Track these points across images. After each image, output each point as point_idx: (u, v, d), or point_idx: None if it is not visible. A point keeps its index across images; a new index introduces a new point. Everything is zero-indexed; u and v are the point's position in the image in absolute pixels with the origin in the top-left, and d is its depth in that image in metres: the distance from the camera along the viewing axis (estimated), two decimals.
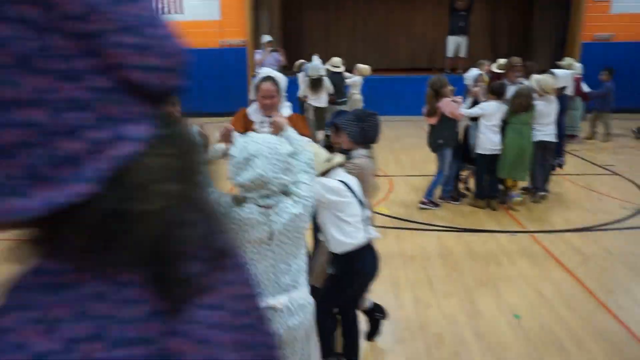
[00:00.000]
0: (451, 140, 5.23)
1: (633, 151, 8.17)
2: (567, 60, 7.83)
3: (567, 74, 6.02)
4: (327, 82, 7.71)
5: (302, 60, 8.41)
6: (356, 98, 8.66)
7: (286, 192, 1.87)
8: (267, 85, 2.76)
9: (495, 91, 5.12)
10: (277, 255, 1.87)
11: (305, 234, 2.01)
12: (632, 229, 4.81)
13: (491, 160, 5.12)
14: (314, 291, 2.80)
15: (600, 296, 3.53)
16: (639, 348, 2.94)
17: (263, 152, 1.75)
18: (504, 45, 15.29)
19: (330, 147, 2.99)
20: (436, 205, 5.36)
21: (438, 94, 5.03)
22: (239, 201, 1.82)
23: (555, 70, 6.23)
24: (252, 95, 2.86)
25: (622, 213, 5.23)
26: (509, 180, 5.28)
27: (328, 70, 8.24)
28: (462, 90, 6.28)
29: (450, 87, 5.16)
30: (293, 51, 14.83)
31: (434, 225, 4.94)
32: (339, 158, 2.48)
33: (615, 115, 12.05)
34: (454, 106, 5.03)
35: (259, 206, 1.82)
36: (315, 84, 7.53)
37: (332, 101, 7.97)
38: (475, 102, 5.36)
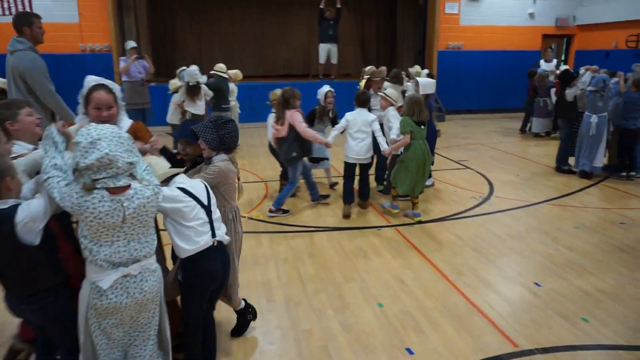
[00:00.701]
0: (304, 152, 5.30)
1: (482, 147, 9.17)
2: (416, 68, 8.58)
3: (431, 81, 6.57)
4: (205, 88, 7.58)
5: (184, 67, 8.16)
6: (232, 105, 8.62)
7: (133, 175, 2.03)
8: (101, 95, 2.42)
9: (359, 100, 5.33)
10: (129, 235, 2.04)
11: (154, 216, 2.17)
12: (479, 216, 5.41)
13: (355, 168, 5.35)
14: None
15: (452, 278, 3.92)
16: (482, 321, 3.31)
17: (106, 135, 1.94)
18: (373, 52, 16.28)
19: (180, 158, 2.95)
20: (285, 212, 5.40)
21: (288, 104, 5.13)
22: (89, 188, 1.91)
23: (420, 79, 6.73)
24: (81, 108, 2.50)
25: (472, 202, 5.87)
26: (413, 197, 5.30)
27: (218, 75, 8.11)
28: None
29: (299, 102, 5.26)
30: (163, 57, 14.31)
31: (306, 227, 5.09)
32: (177, 169, 2.52)
33: (470, 115, 13.51)
34: (298, 118, 5.11)
35: (110, 191, 1.94)
36: (193, 90, 7.35)
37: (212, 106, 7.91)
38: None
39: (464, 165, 7.73)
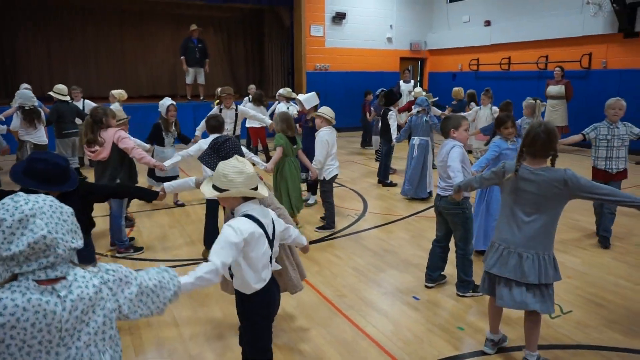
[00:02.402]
0: (129, 180, 4.83)
1: (354, 164, 9.50)
2: (286, 90, 8.67)
3: (311, 94, 6.62)
4: (42, 114, 6.72)
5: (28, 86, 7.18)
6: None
7: (74, 263, 1.48)
8: None
9: (209, 125, 4.79)
10: (77, 355, 1.40)
11: (114, 326, 1.52)
12: (356, 233, 5.50)
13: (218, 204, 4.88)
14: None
15: (335, 301, 3.85)
16: (368, 344, 3.26)
17: (43, 209, 1.38)
18: (242, 72, 16.16)
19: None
20: (137, 249, 4.89)
21: (102, 124, 4.54)
22: (4, 283, 1.32)
23: (300, 96, 6.74)
24: None
25: (348, 220, 5.95)
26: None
27: (57, 99, 7.24)
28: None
29: (125, 116, 5.00)
30: (5, 77, 12.61)
31: (179, 260, 4.69)
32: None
33: (340, 134, 13.95)
34: (123, 135, 4.61)
35: (39, 283, 1.34)
36: (29, 115, 6.45)
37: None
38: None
39: (338, 184, 7.88)
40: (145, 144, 5.85)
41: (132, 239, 5.12)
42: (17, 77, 12.52)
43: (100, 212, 5.43)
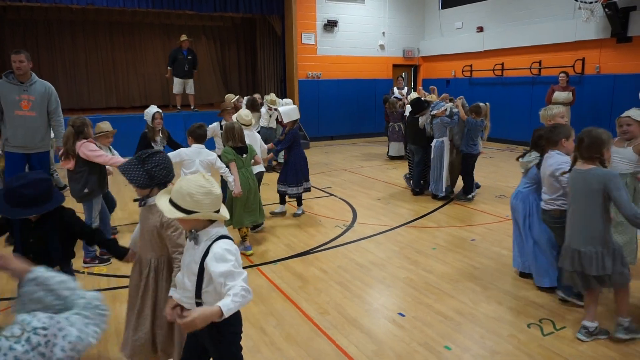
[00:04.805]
0: (99, 188, 4.69)
1: (345, 173, 9.34)
2: (271, 96, 8.56)
3: (292, 107, 6.47)
4: None
5: None
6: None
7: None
8: None
9: (194, 134, 4.85)
10: None
11: None
12: (343, 245, 5.32)
13: None
14: None
15: (316, 320, 3.67)
16: None
17: None
18: (235, 81, 16.06)
19: None
20: (103, 260, 4.78)
21: (82, 134, 4.49)
22: None
23: (281, 108, 6.58)
24: None
25: (336, 232, 5.78)
26: (243, 228, 5.03)
27: None
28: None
29: (111, 129, 4.85)
30: None
31: None
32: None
33: (332, 142, 13.89)
34: (89, 147, 4.50)
35: None
36: None
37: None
38: None
39: (328, 193, 7.73)
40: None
41: (104, 259, 4.88)
42: None
43: None
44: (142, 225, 2.66)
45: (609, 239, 3.13)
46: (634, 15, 9.56)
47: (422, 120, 7.30)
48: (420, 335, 3.43)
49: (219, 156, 5.00)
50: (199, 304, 2.14)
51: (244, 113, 5.68)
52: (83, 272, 4.60)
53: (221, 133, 5.38)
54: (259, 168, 5.62)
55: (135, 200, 2.71)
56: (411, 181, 7.69)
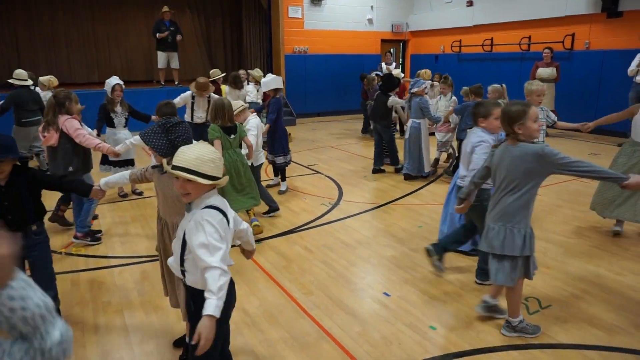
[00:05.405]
0: (83, 169, 4.52)
1: (331, 150, 9.21)
2: (257, 71, 8.37)
3: (274, 77, 6.25)
4: None
5: None
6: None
7: None
8: None
9: (160, 110, 4.30)
10: None
11: None
12: (328, 224, 5.23)
13: None
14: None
15: (300, 300, 3.60)
16: (332, 347, 3.02)
17: None
18: (220, 55, 15.69)
19: None
20: (95, 238, 4.70)
21: (62, 107, 4.32)
22: None
23: (263, 79, 6.43)
24: None
25: (322, 209, 5.68)
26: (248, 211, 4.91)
27: (18, 85, 6.96)
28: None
29: (79, 106, 4.53)
30: None
31: (135, 257, 4.39)
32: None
33: (319, 118, 13.70)
34: (74, 125, 4.30)
35: None
36: None
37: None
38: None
39: (314, 170, 7.61)
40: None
41: (99, 231, 4.84)
42: None
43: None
44: (165, 191, 2.72)
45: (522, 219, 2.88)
46: None
47: (391, 100, 7.11)
48: (405, 315, 3.37)
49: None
50: (183, 272, 2.17)
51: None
52: (60, 253, 4.46)
53: (209, 110, 5.12)
54: (261, 159, 5.43)
55: (153, 167, 2.78)
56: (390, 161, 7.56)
